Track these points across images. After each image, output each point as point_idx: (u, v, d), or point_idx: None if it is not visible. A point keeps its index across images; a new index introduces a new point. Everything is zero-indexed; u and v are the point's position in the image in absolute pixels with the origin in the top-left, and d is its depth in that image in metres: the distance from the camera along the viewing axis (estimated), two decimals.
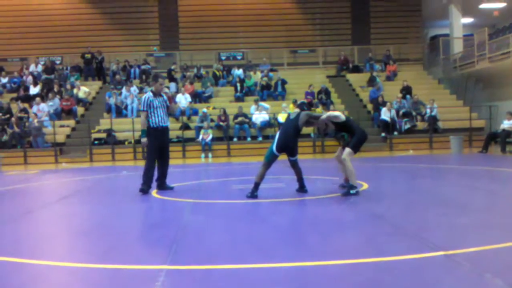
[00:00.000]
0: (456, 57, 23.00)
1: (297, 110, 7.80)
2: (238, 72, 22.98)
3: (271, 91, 21.77)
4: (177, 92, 21.24)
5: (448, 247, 4.21)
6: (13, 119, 19.11)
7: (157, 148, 8.30)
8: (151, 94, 8.36)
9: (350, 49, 25.60)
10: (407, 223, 5.46)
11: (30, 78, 22.61)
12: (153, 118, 8.24)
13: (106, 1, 26.15)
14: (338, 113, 7.61)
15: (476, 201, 7.04)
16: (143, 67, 23.79)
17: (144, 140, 8.34)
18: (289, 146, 7.44)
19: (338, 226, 5.56)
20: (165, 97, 8.50)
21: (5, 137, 18.69)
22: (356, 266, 3.84)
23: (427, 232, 4.90)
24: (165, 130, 8.42)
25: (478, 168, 11.86)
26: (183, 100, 20.30)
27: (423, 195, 7.73)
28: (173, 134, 19.10)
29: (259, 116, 19.27)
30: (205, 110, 19.33)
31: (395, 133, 19.07)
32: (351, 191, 7.30)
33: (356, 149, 7.51)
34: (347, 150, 7.47)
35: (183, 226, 5.58)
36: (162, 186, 8.54)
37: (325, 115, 7.64)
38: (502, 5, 22.83)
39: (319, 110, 19.17)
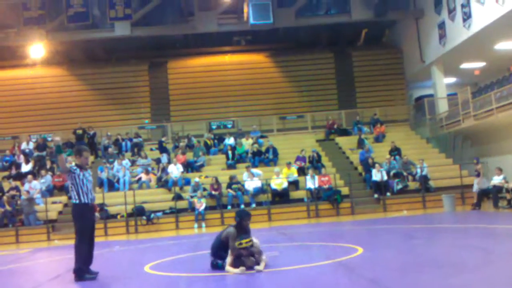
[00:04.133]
0: (442, 116, 23.48)
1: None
2: (229, 140, 23.27)
3: (262, 158, 21.97)
4: (169, 163, 21.39)
5: None
6: (4, 197, 19.04)
7: (90, 227, 7.53)
8: (76, 167, 7.61)
9: (338, 113, 26.13)
10: (401, 286, 5.44)
11: (22, 156, 22.70)
12: (81, 193, 7.45)
13: (96, 78, 26.82)
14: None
15: (471, 260, 7.04)
16: (134, 140, 24.03)
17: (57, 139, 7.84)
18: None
19: None
20: (90, 172, 7.80)
21: None
22: None
23: None
24: (94, 206, 7.70)
25: (472, 225, 11.88)
26: (175, 170, 20.40)
27: (417, 256, 7.72)
28: (165, 205, 19.09)
29: (251, 183, 19.34)
30: (197, 179, 19.40)
31: (388, 194, 19.15)
32: None
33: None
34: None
35: None
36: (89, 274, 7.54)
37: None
38: (482, 64, 23.59)
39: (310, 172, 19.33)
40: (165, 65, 27.33)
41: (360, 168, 21.11)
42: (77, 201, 7.45)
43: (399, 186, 19.25)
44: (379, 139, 23.51)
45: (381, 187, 19.01)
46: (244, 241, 7.12)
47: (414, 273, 6.32)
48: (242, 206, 18.89)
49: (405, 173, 19.79)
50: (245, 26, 23.25)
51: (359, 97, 27.09)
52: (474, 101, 20.53)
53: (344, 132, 24.73)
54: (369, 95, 26.81)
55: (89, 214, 7.48)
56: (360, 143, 22.36)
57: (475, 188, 17.16)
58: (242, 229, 7.44)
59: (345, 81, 27.23)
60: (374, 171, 19.30)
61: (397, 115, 26.41)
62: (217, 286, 6.48)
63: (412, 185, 19.50)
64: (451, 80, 26.35)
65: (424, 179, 19.22)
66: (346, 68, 27.33)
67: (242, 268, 7.08)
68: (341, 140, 23.96)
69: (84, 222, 7.45)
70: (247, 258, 7.22)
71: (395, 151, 21.21)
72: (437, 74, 24.13)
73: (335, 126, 24.90)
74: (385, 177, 19.23)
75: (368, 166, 20.01)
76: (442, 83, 24.37)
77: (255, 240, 7.40)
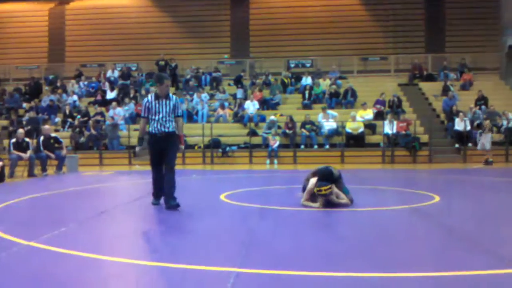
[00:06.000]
0: None
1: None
2: (307, 80, 22.97)
3: (339, 99, 21.60)
4: (245, 98, 21.57)
5: None
6: (90, 122, 20.06)
7: (156, 155, 7.42)
8: (151, 97, 7.40)
9: (424, 57, 24.97)
10: (482, 237, 5.27)
11: (107, 84, 23.66)
12: (151, 122, 7.33)
13: (179, 10, 26.99)
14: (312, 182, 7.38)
15: None
16: (214, 74, 24.30)
17: (138, 148, 7.83)
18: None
19: (408, 238, 5.45)
20: (174, 99, 7.44)
21: (82, 139, 19.64)
22: (426, 280, 3.75)
23: (502, 247, 4.71)
24: (166, 136, 7.29)
25: None
26: (251, 106, 20.55)
27: (498, 209, 7.43)
28: (240, 139, 19.42)
29: (326, 124, 19.16)
30: (272, 117, 19.47)
31: (470, 144, 18.38)
32: None
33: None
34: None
35: (252, 230, 5.67)
36: (166, 203, 7.29)
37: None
38: None
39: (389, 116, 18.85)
40: None
41: (442, 116, 20.32)
42: (149, 131, 7.43)
43: None
44: (465, 87, 22.37)
45: (463, 137, 18.26)
46: (324, 188, 7.08)
47: (493, 225, 6.09)
48: (316, 146, 18.88)
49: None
50: None
51: (449, 41, 25.67)
52: None
53: (429, 78, 23.69)
54: (460, 40, 25.32)
55: (155, 143, 7.31)
56: (445, 90, 21.38)
57: (480, 145, 16.92)
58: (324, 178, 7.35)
59: (435, 22, 25.75)
60: (457, 120, 18.52)
61: (487, 62, 24.86)
62: (288, 218, 6.56)
63: (497, 137, 18.56)
64: None
65: (510, 131, 18.23)
66: (437, 9, 25.78)
67: (319, 203, 7.14)
68: (425, 86, 23.02)
69: (149, 151, 7.52)
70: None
71: (481, 101, 20.15)
72: None
73: (424, 73, 23.83)
74: (468, 127, 18.41)
75: (451, 114, 19.20)
76: None
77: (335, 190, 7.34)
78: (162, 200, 7.50)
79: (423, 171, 15.44)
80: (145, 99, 7.46)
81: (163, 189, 7.35)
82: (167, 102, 7.33)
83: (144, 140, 7.69)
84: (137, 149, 7.90)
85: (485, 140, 16.92)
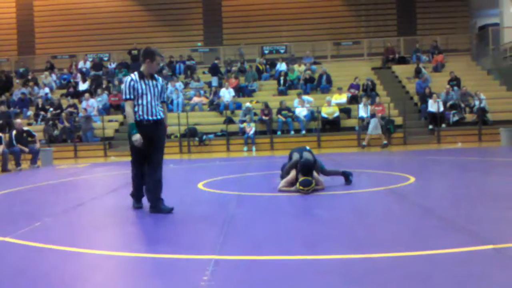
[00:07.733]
0: (507, 47, 22.26)
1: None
2: (281, 66, 22.98)
3: (314, 84, 21.68)
4: (220, 86, 21.48)
5: (498, 240, 4.13)
6: (63, 114, 19.77)
7: (140, 149, 6.04)
8: (135, 76, 6.00)
9: (396, 40, 25.19)
10: (455, 216, 5.37)
11: (79, 75, 23.30)
12: (137, 108, 6.00)
13: None
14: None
15: None
16: (187, 62, 24.12)
17: (135, 138, 5.91)
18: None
19: (384, 219, 5.53)
20: (160, 80, 6.18)
21: (56, 132, 19.36)
22: (402, 259, 3.82)
23: (476, 225, 4.81)
24: (153, 125, 6.04)
25: None
26: (226, 94, 20.49)
27: (472, 188, 7.57)
28: (217, 128, 19.37)
29: (302, 110, 19.23)
30: (248, 104, 19.45)
31: (443, 125, 18.66)
32: None
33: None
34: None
35: (230, 217, 5.68)
36: (156, 206, 6.18)
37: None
38: None
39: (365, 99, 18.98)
40: None
41: (416, 98, 20.56)
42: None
43: (455, 118, 18.72)
44: (438, 68, 22.65)
45: (436, 118, 18.53)
46: (305, 188, 7.03)
47: (469, 204, 6.21)
48: (292, 132, 18.95)
49: (462, 105, 19.14)
50: None
51: (420, 24, 25.93)
52: None
53: (402, 60, 23.91)
54: (431, 22, 25.60)
55: (144, 134, 5.94)
56: (418, 72, 21.63)
57: (370, 130, 17.19)
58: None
59: (406, 5, 25.98)
60: (430, 102, 18.76)
61: (459, 44, 25.24)
62: (266, 204, 6.60)
63: (470, 117, 18.90)
64: None
65: (482, 111, 18.55)
66: None
67: (295, 187, 7.17)
68: (398, 69, 23.25)
69: (132, 143, 6.05)
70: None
71: (454, 82, 20.45)
72: (505, 1, 22.67)
73: (396, 56, 24.02)
74: (442, 108, 18.68)
75: (425, 96, 19.44)
76: (510, 11, 22.93)
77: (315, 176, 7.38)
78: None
79: (398, 152, 15.64)
80: (128, 78, 6.01)
81: (148, 189, 6.24)
82: (154, 83, 6.06)
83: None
84: (134, 138, 5.90)
85: (374, 126, 17.17)
